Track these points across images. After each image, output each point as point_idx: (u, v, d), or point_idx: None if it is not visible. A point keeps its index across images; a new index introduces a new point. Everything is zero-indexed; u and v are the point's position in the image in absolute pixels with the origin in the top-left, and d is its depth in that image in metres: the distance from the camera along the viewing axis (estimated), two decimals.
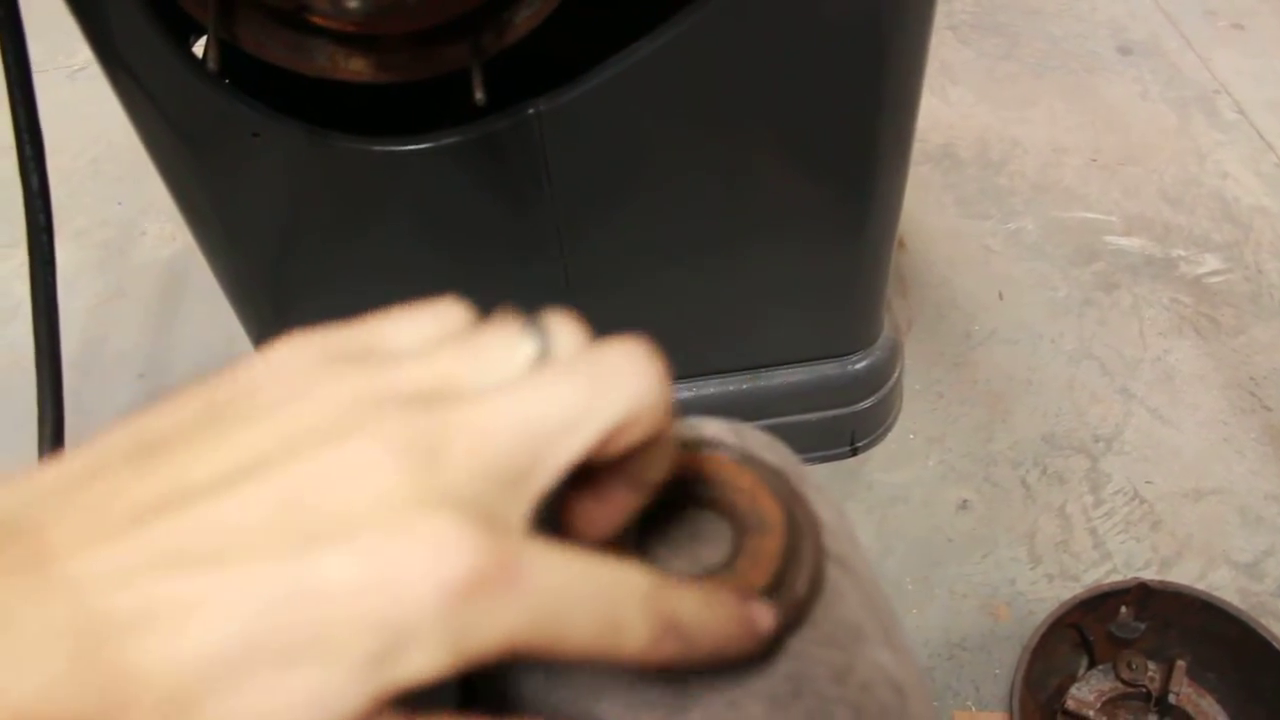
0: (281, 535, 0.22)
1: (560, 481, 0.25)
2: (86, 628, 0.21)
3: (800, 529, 0.34)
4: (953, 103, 1.73)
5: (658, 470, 0.28)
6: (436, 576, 0.21)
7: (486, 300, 1.02)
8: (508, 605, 0.22)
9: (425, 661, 0.22)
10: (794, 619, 0.32)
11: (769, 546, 0.33)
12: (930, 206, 1.53)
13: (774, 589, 0.32)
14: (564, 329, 0.27)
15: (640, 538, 0.34)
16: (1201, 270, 1.40)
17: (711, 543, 0.34)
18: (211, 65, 0.68)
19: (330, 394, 0.24)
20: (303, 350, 0.25)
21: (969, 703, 0.99)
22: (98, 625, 0.21)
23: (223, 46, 0.69)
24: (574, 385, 0.24)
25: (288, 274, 0.92)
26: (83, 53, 1.93)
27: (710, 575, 0.32)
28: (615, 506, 0.29)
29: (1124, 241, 1.45)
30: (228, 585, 0.21)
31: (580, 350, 0.26)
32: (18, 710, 0.20)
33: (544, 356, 0.26)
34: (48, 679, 0.20)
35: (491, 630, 0.22)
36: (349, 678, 0.21)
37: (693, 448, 0.36)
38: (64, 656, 0.20)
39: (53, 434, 0.79)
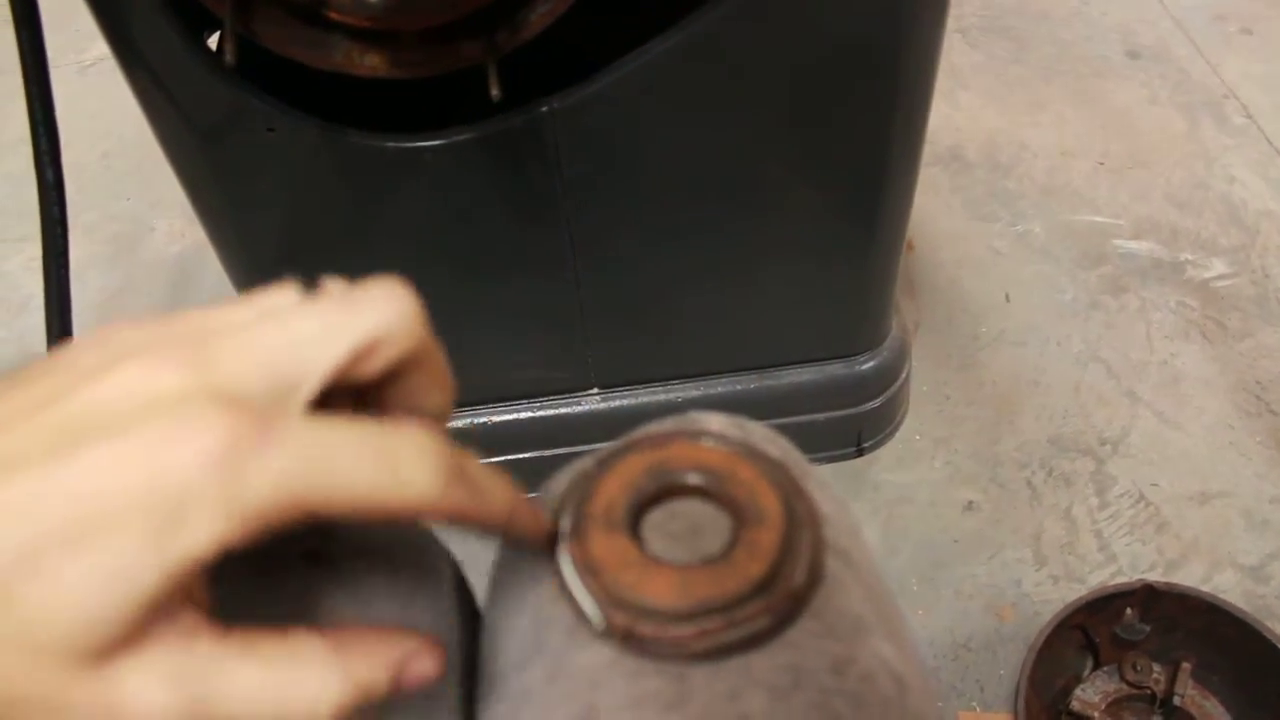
0: (54, 443, 0.24)
1: (322, 389, 0.27)
2: None
3: (799, 521, 0.34)
4: (962, 106, 1.73)
5: (434, 399, 0.31)
6: (197, 444, 0.24)
7: (498, 295, 1.03)
8: (272, 459, 0.24)
9: (207, 527, 0.24)
10: (792, 610, 0.33)
11: (766, 538, 0.33)
12: (939, 209, 1.53)
13: (771, 580, 0.32)
14: (333, 281, 0.30)
15: (639, 527, 0.34)
16: (1209, 274, 1.40)
17: (710, 534, 0.34)
18: (228, 60, 0.69)
19: (113, 346, 0.27)
20: (97, 333, 0.28)
21: (974, 703, 1.00)
22: None
23: (239, 41, 0.69)
24: (325, 309, 0.28)
25: (299, 270, 0.92)
26: (94, 48, 1.94)
27: (708, 565, 0.32)
28: None
29: (1131, 245, 1.45)
30: (9, 488, 0.23)
31: (341, 290, 0.29)
32: None
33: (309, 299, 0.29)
34: None
35: (261, 485, 0.24)
36: (137, 551, 0.23)
37: (694, 440, 0.36)
38: None
39: None
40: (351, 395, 0.30)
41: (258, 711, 0.26)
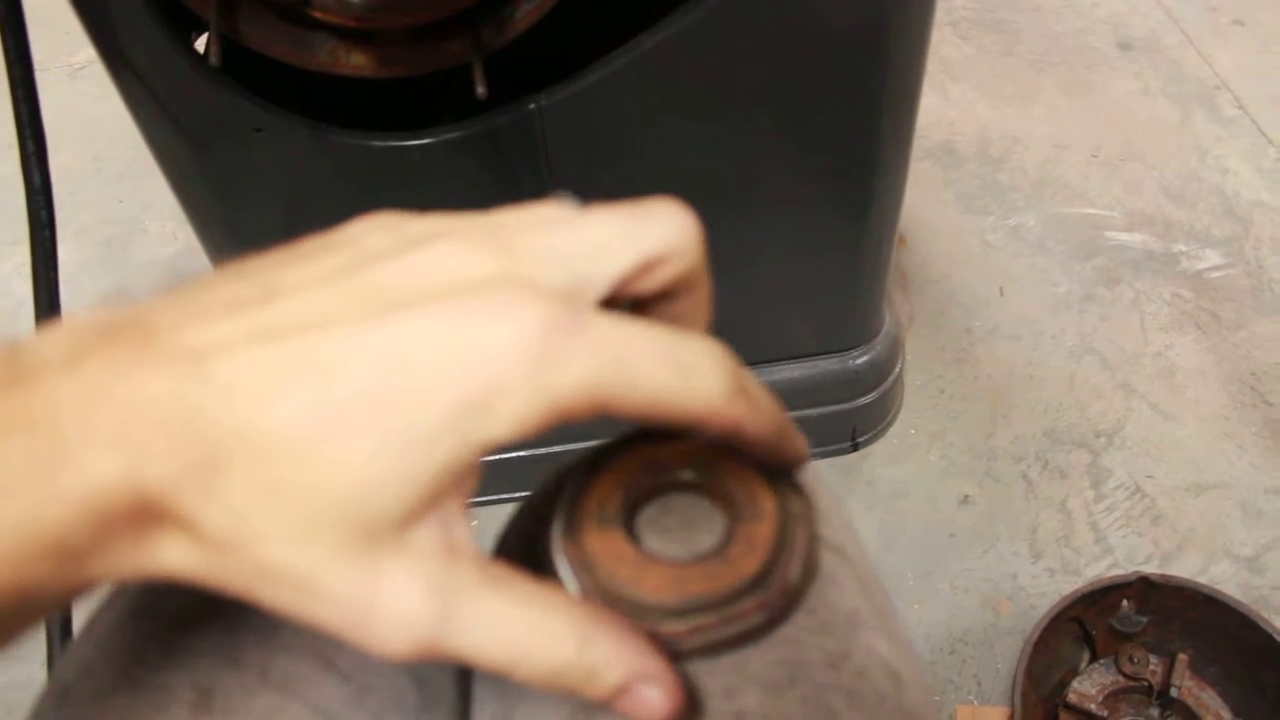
0: (367, 308, 0.24)
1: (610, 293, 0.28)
2: (180, 395, 0.23)
3: (794, 516, 0.34)
4: (953, 99, 1.73)
5: (698, 325, 0.31)
6: (514, 325, 0.24)
7: None
8: (580, 347, 0.24)
9: (513, 409, 0.24)
10: (787, 606, 0.32)
11: (761, 533, 0.33)
12: (931, 203, 1.53)
13: (766, 576, 0.32)
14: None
15: (633, 524, 0.34)
16: (1202, 265, 1.40)
17: (705, 530, 0.34)
18: (214, 60, 0.68)
19: (404, 230, 0.28)
20: (368, 220, 0.29)
21: (971, 697, 1.00)
22: (192, 391, 0.23)
23: (225, 42, 0.69)
24: (618, 218, 0.28)
25: None
26: (83, 51, 1.94)
27: (702, 562, 0.32)
28: None
29: (1125, 237, 1.45)
30: (319, 347, 0.24)
31: (627, 207, 0.30)
32: (96, 485, 0.22)
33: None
34: (131, 454, 0.22)
35: (569, 374, 0.24)
36: (441, 424, 0.24)
37: (688, 435, 0.36)
38: (148, 426, 0.22)
39: None
40: (628, 307, 0.30)
41: (491, 651, 0.26)
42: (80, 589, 0.24)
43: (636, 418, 0.26)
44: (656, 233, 0.28)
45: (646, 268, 0.28)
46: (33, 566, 0.22)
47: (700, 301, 0.31)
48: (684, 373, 0.26)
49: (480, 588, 0.26)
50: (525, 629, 0.26)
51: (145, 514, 0.23)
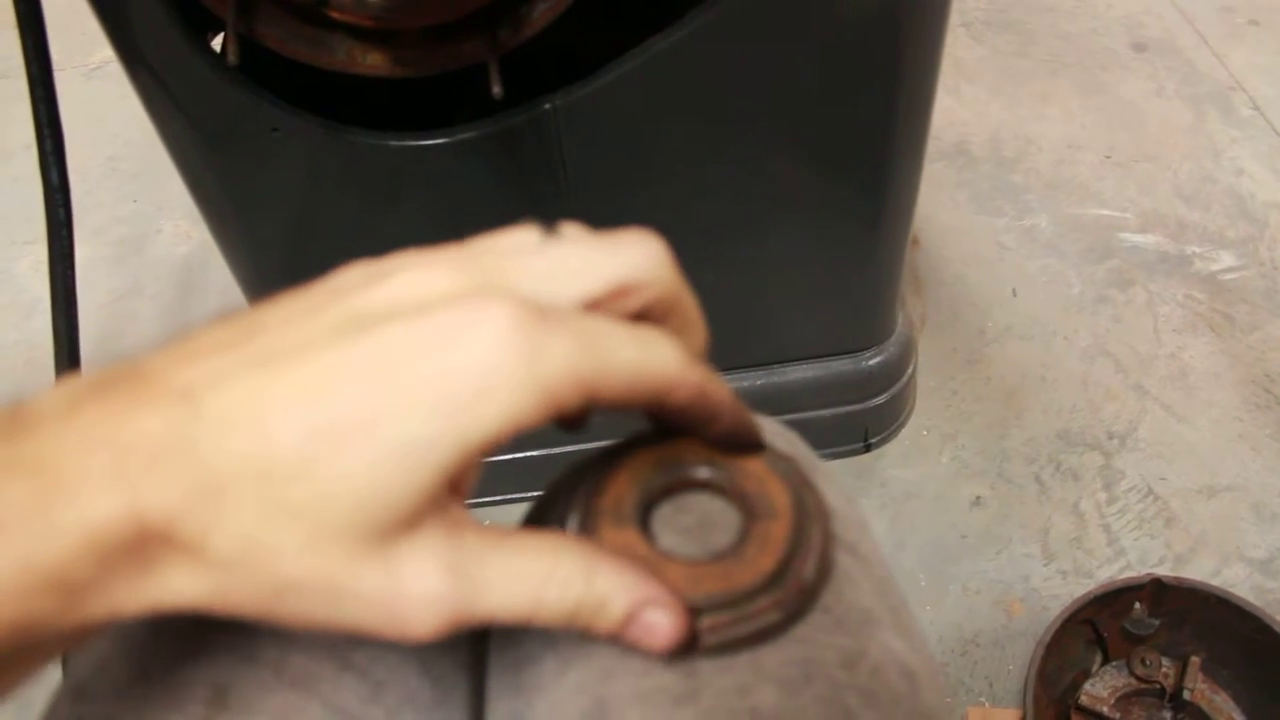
0: (346, 330, 0.25)
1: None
2: (176, 428, 0.24)
3: (809, 515, 0.34)
4: (966, 100, 1.73)
5: (688, 343, 0.32)
6: (492, 324, 0.25)
7: None
8: (556, 335, 0.26)
9: (508, 401, 0.25)
10: (802, 604, 0.32)
11: (776, 532, 0.33)
12: (944, 204, 1.53)
13: (781, 574, 0.32)
14: (574, 227, 0.32)
15: (648, 521, 0.34)
16: (1216, 267, 1.40)
17: (720, 528, 0.34)
18: (231, 60, 0.69)
19: (375, 267, 0.28)
20: (350, 265, 0.30)
21: (983, 698, 0.99)
22: (187, 424, 0.24)
23: (242, 42, 0.69)
24: (583, 245, 0.30)
25: (305, 269, 0.92)
26: (99, 52, 1.95)
27: (718, 560, 0.32)
28: None
29: (1138, 238, 1.45)
30: (305, 369, 0.25)
31: (591, 234, 0.31)
32: (96, 519, 0.23)
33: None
34: (130, 488, 0.23)
35: (554, 360, 0.25)
36: (436, 426, 0.24)
37: (700, 431, 0.36)
38: (145, 461, 0.23)
39: None
40: None
41: (515, 601, 0.27)
42: (84, 628, 0.25)
43: (619, 400, 0.27)
44: (623, 261, 0.29)
45: (618, 294, 0.29)
46: (34, 601, 0.23)
47: (684, 324, 0.32)
48: (646, 347, 0.28)
49: (488, 550, 0.27)
50: (537, 575, 0.28)
51: (149, 544, 0.24)
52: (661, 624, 0.29)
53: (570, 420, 0.34)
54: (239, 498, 0.24)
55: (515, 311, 0.25)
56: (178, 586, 0.25)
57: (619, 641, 0.30)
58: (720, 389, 0.31)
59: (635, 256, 0.30)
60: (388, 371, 0.24)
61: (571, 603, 0.28)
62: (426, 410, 0.24)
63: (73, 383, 0.25)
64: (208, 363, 0.25)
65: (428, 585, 0.26)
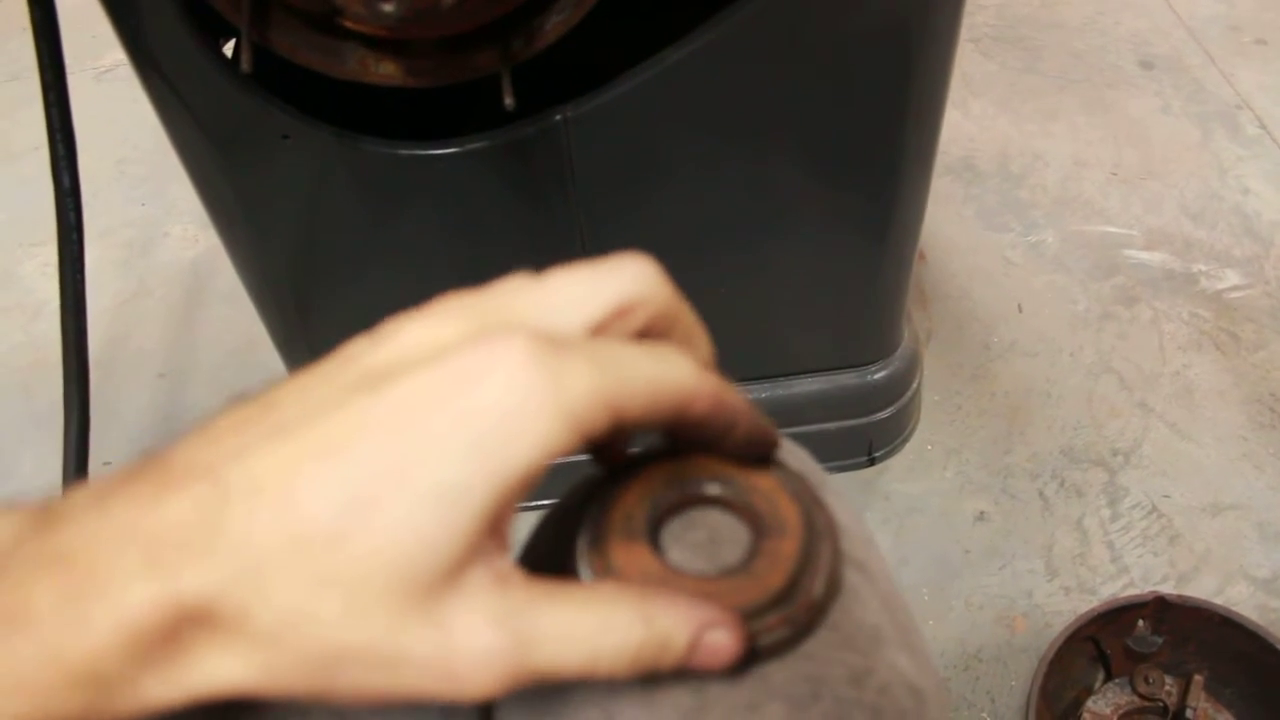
0: (356, 388, 0.25)
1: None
2: (204, 510, 0.23)
3: (818, 532, 0.34)
4: (974, 115, 1.73)
5: (696, 349, 0.33)
6: (508, 360, 0.25)
7: None
8: (576, 360, 0.25)
9: (541, 431, 0.25)
10: (811, 621, 0.32)
11: (786, 549, 0.33)
12: (951, 219, 1.53)
13: (790, 591, 0.32)
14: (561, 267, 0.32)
15: (658, 537, 0.34)
16: (1222, 285, 1.40)
17: (729, 544, 0.34)
18: (244, 67, 0.69)
19: (379, 330, 0.28)
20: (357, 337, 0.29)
21: (985, 714, 0.99)
22: (215, 504, 0.23)
23: (255, 49, 0.70)
24: (578, 275, 0.30)
25: (313, 276, 0.93)
26: (110, 54, 1.96)
27: (727, 576, 0.32)
28: None
29: (1144, 256, 1.45)
30: (327, 431, 0.24)
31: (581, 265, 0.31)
32: (128, 610, 0.23)
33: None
34: (163, 578, 0.23)
35: (578, 386, 0.25)
36: (468, 470, 0.24)
37: (712, 446, 0.36)
38: (176, 548, 0.23)
39: (78, 431, 0.79)
40: None
41: (571, 656, 0.26)
42: None
43: (643, 418, 0.27)
44: (620, 281, 0.30)
45: (620, 314, 0.29)
46: (60, 697, 0.22)
47: (687, 336, 0.32)
48: (661, 361, 0.28)
49: (540, 604, 0.26)
50: (593, 627, 0.27)
51: (183, 630, 0.23)
52: (724, 643, 0.29)
53: (601, 448, 0.34)
54: (276, 570, 0.23)
55: (529, 344, 0.25)
56: (222, 671, 0.24)
57: (684, 670, 0.29)
58: (735, 395, 0.31)
59: (630, 276, 0.30)
60: (411, 421, 0.24)
61: (634, 649, 0.27)
62: (458, 454, 0.24)
63: (99, 479, 0.25)
64: (227, 441, 0.25)
65: (479, 640, 0.25)
